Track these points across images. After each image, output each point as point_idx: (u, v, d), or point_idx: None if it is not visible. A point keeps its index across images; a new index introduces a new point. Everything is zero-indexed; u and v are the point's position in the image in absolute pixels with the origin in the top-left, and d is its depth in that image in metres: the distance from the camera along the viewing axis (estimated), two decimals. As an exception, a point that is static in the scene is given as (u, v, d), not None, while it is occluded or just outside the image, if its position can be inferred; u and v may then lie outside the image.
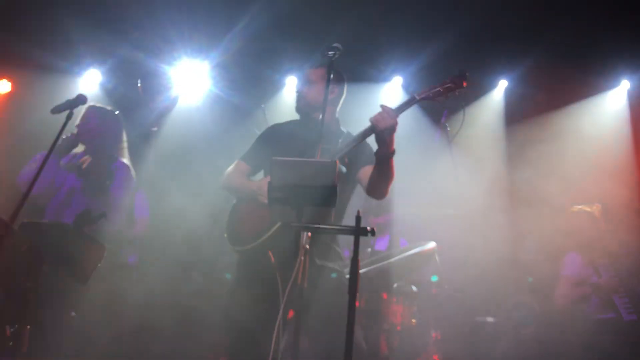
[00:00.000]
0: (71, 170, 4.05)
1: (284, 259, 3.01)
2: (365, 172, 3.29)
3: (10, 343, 2.51)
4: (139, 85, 5.86)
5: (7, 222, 2.55)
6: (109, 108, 4.37)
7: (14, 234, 2.57)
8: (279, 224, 3.11)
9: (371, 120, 3.06)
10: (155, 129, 5.47)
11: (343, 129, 3.52)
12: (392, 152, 3.12)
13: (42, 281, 2.53)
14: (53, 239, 2.55)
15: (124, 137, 4.31)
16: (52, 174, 3.90)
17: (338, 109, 3.55)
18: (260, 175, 3.52)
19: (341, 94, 3.53)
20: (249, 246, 3.19)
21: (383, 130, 3.03)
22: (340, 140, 3.37)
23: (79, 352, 3.62)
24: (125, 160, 4.26)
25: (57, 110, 3.09)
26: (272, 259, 3.16)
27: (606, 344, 4.61)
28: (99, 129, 4.13)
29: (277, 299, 2.91)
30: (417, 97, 3.08)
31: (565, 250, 5.15)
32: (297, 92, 3.49)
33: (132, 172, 4.29)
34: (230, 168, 3.49)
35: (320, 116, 3.19)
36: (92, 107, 4.19)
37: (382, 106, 3.06)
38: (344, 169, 3.29)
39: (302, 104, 3.46)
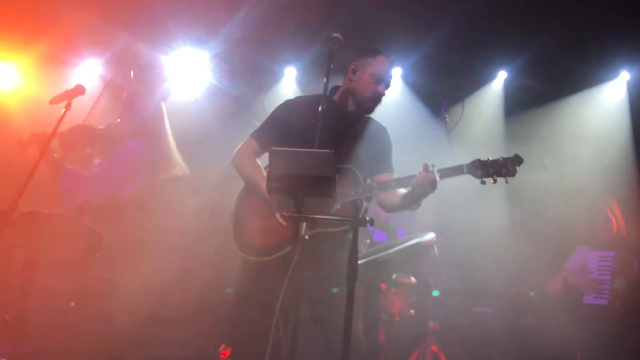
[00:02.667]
0: None
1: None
2: (382, 178, 3.26)
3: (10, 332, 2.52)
4: (131, 75, 5.84)
5: (6, 212, 2.56)
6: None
7: (14, 224, 2.57)
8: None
9: (412, 183, 3.01)
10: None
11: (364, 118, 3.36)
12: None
13: (41, 271, 2.55)
14: (51, 228, 2.55)
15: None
16: None
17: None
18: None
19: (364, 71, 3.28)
20: (269, 257, 3.09)
21: (420, 193, 3.02)
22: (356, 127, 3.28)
23: (77, 342, 3.63)
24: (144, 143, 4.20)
25: (55, 101, 3.08)
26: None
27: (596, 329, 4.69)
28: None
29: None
30: (465, 170, 2.97)
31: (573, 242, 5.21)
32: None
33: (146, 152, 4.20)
34: (241, 146, 3.32)
35: (338, 99, 3.23)
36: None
37: (426, 172, 2.97)
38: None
39: (349, 97, 3.31)
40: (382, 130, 3.42)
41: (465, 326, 5.41)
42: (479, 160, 2.93)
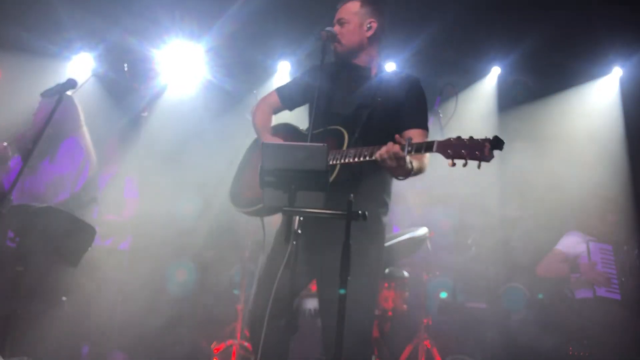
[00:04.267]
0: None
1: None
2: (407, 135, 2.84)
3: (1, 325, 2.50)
4: (125, 69, 5.80)
5: (-4, 205, 2.54)
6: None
7: (4, 218, 2.55)
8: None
9: (378, 155, 2.71)
10: (145, 114, 5.42)
11: (383, 74, 3.13)
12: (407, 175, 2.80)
13: (33, 265, 2.52)
14: (43, 222, 2.52)
15: (78, 116, 4.22)
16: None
17: (379, 49, 3.16)
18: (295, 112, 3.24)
19: (381, 30, 3.13)
20: (248, 209, 3.03)
21: (389, 169, 2.73)
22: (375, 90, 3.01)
23: (69, 338, 3.60)
24: (79, 138, 4.15)
25: (47, 94, 3.05)
26: (264, 230, 3.02)
27: (585, 323, 4.70)
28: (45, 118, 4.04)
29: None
30: (435, 148, 2.61)
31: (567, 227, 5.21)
32: (330, 34, 3.08)
33: (83, 147, 4.13)
34: (264, 96, 3.25)
35: (360, 62, 2.98)
36: (42, 101, 4.10)
37: (391, 144, 2.65)
38: None
39: (338, 48, 3.09)
40: (411, 82, 3.09)
41: (459, 321, 5.42)
42: (451, 138, 2.56)
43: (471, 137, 2.53)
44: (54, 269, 3.12)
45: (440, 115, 5.25)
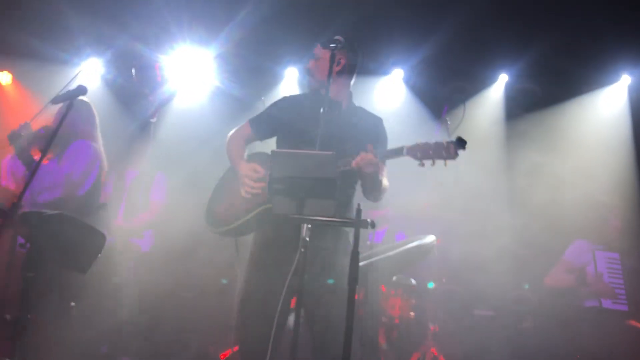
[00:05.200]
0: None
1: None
2: None
3: (11, 331, 2.52)
4: (133, 74, 5.84)
5: (7, 212, 2.55)
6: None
7: (14, 224, 2.57)
8: (254, 212, 3.06)
9: (354, 164, 2.96)
10: (154, 120, 5.45)
11: (355, 103, 3.43)
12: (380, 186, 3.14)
13: (43, 271, 2.54)
14: (53, 228, 2.55)
15: (93, 122, 4.24)
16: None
17: (352, 82, 3.42)
18: (265, 144, 3.44)
19: (351, 68, 3.37)
20: (220, 229, 3.18)
21: (365, 173, 2.99)
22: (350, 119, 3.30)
23: (79, 342, 3.63)
24: (90, 141, 4.15)
25: (57, 100, 3.07)
26: (237, 250, 3.24)
27: (587, 332, 4.67)
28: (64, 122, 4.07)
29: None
30: (405, 152, 2.90)
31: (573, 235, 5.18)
32: (306, 68, 3.41)
33: (93, 151, 4.14)
34: (236, 128, 3.42)
35: (331, 95, 3.14)
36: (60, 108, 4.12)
37: (367, 152, 2.95)
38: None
39: (311, 81, 3.39)
40: (377, 120, 3.42)
41: (466, 329, 5.40)
42: (419, 143, 2.85)
43: (436, 141, 2.83)
44: (64, 275, 3.15)
45: (448, 123, 5.25)
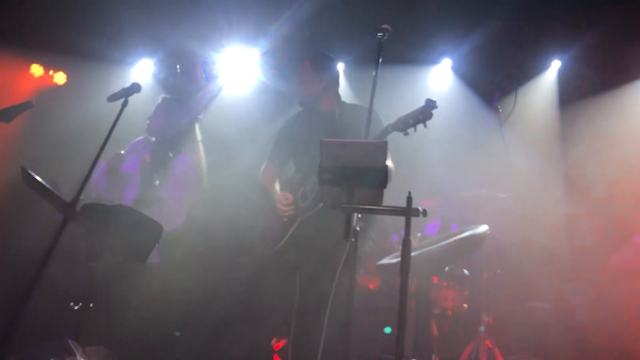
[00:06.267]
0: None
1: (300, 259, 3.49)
2: None
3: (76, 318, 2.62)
4: (178, 70, 5.98)
5: (69, 205, 2.65)
6: (176, 100, 4.51)
7: (76, 216, 2.67)
8: (292, 229, 3.48)
9: None
10: (201, 116, 5.55)
11: (346, 102, 3.78)
12: None
13: (105, 261, 2.64)
14: (113, 219, 2.64)
15: (195, 134, 4.38)
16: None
17: (336, 94, 3.77)
18: (289, 168, 3.87)
19: (332, 80, 3.75)
20: (271, 250, 3.63)
21: None
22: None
23: (140, 327, 3.77)
24: (191, 155, 4.29)
25: (113, 98, 3.16)
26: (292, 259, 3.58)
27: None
28: (165, 122, 4.25)
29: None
30: (390, 129, 3.21)
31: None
32: (295, 88, 3.82)
33: (194, 169, 4.29)
34: (262, 167, 3.87)
35: (322, 108, 3.60)
36: (163, 101, 4.31)
37: None
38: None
39: (300, 99, 3.76)
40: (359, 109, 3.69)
41: (520, 321, 5.30)
42: (399, 117, 3.15)
43: (411, 110, 3.11)
44: (124, 264, 3.30)
45: (500, 110, 5.16)
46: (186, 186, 4.12)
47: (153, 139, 4.29)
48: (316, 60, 3.76)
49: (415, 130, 3.11)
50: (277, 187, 3.74)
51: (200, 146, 4.37)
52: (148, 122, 4.32)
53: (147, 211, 3.25)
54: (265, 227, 3.74)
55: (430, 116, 3.06)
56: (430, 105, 3.04)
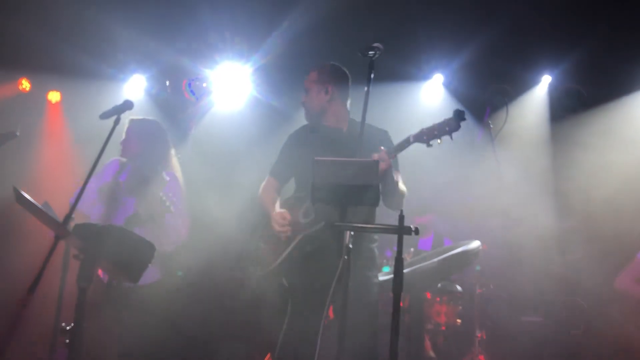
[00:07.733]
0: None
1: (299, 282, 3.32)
2: None
3: (67, 340, 2.60)
4: (167, 84, 5.97)
5: (62, 224, 2.65)
6: (150, 119, 4.33)
7: (68, 236, 2.66)
8: (290, 248, 3.31)
9: None
10: (192, 131, 5.55)
11: (356, 119, 3.50)
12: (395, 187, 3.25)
13: (96, 281, 2.62)
14: (105, 240, 2.64)
15: (170, 148, 4.29)
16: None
17: (348, 103, 3.56)
18: (291, 184, 3.69)
19: (341, 93, 3.53)
20: (266, 270, 3.45)
21: (381, 174, 3.04)
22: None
23: (130, 346, 3.74)
24: (174, 171, 4.23)
25: (105, 116, 3.16)
26: (285, 284, 3.42)
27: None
28: (140, 145, 4.11)
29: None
30: (412, 140, 3.06)
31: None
32: (301, 102, 3.57)
33: (181, 184, 4.25)
34: (263, 184, 3.68)
35: (329, 123, 3.42)
36: (132, 122, 4.16)
37: (375, 154, 3.08)
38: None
39: (306, 113, 3.57)
40: (382, 133, 3.52)
41: (514, 336, 5.30)
42: (423, 128, 3.02)
43: (437, 122, 2.98)
44: (116, 284, 3.26)
45: (491, 126, 5.19)
46: (181, 201, 4.07)
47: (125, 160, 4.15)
48: (323, 70, 3.56)
49: (440, 142, 2.99)
50: (277, 204, 3.55)
51: (176, 160, 4.28)
52: (121, 147, 4.12)
53: (139, 231, 3.24)
54: (258, 248, 3.61)
55: (457, 128, 2.93)
56: (459, 116, 2.90)
